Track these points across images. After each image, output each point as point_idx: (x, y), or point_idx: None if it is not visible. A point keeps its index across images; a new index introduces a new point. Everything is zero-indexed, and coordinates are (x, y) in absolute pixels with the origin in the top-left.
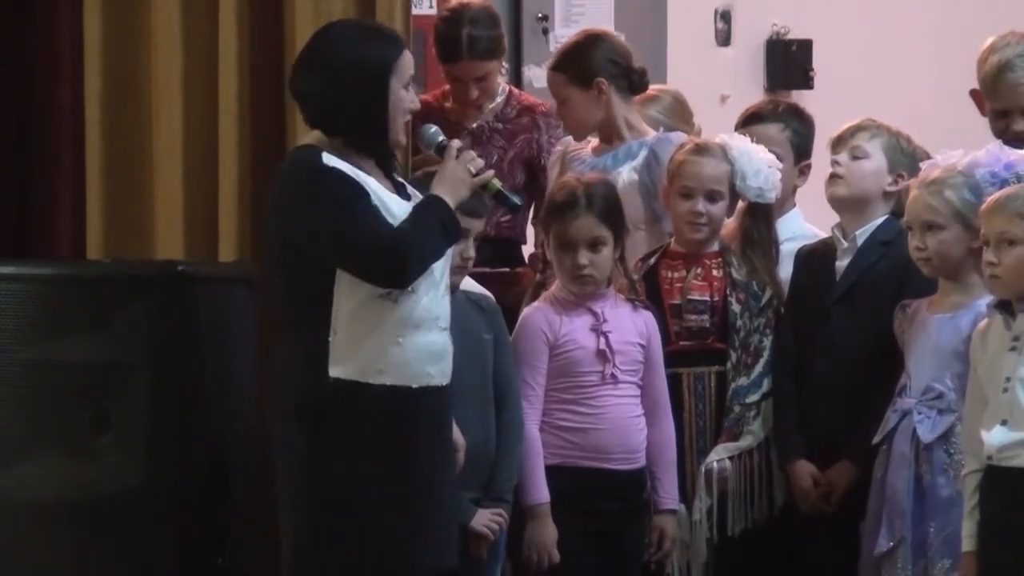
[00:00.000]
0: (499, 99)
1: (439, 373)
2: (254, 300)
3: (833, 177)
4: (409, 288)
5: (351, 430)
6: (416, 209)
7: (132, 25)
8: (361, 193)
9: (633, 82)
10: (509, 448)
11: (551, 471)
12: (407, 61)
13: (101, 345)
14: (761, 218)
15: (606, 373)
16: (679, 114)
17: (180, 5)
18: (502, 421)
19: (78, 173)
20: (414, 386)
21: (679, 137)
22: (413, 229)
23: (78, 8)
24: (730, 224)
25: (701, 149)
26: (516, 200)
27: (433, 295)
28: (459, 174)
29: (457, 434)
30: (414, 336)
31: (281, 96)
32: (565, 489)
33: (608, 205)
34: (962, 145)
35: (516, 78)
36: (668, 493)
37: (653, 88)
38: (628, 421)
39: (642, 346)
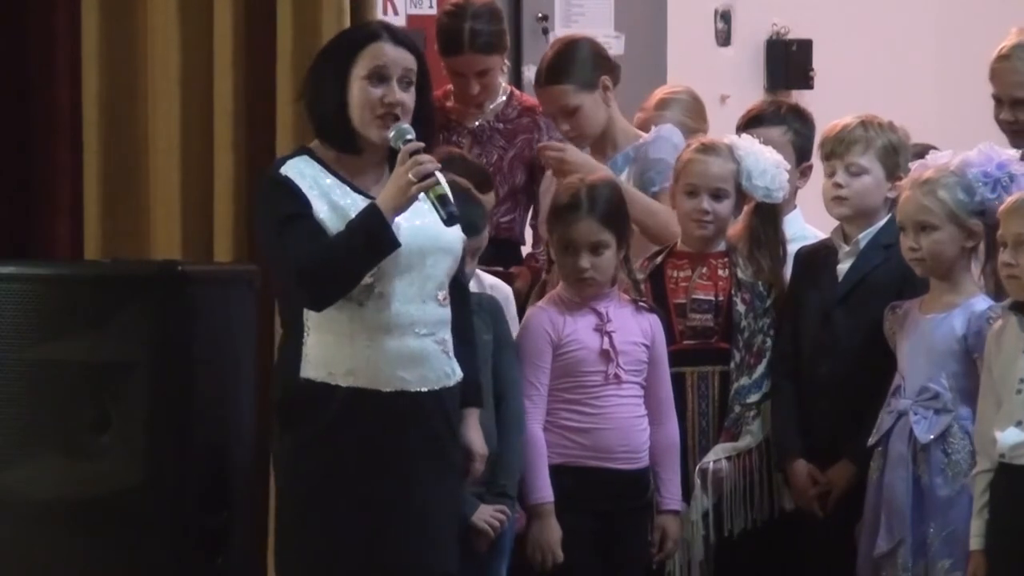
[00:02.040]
0: (500, 99)
1: (417, 379)
2: (254, 300)
3: (836, 199)
4: (377, 293)
5: (320, 431)
6: (347, 224)
7: (129, 27)
8: (299, 211)
9: (617, 76)
10: (511, 443)
11: (554, 470)
12: (371, 53)
13: (101, 345)
14: (768, 218)
15: (609, 373)
16: (699, 113)
17: (177, 7)
18: (502, 417)
19: (76, 174)
20: (385, 390)
21: (669, 130)
22: (328, 252)
23: (76, 10)
24: (737, 224)
25: (707, 148)
26: (446, 213)
27: (410, 301)
28: (401, 182)
29: (478, 443)
30: (385, 341)
31: (276, 97)
32: (568, 488)
33: (611, 207)
34: (963, 144)
35: (516, 78)
36: (671, 494)
37: (664, 90)
38: (631, 421)
39: (646, 346)
